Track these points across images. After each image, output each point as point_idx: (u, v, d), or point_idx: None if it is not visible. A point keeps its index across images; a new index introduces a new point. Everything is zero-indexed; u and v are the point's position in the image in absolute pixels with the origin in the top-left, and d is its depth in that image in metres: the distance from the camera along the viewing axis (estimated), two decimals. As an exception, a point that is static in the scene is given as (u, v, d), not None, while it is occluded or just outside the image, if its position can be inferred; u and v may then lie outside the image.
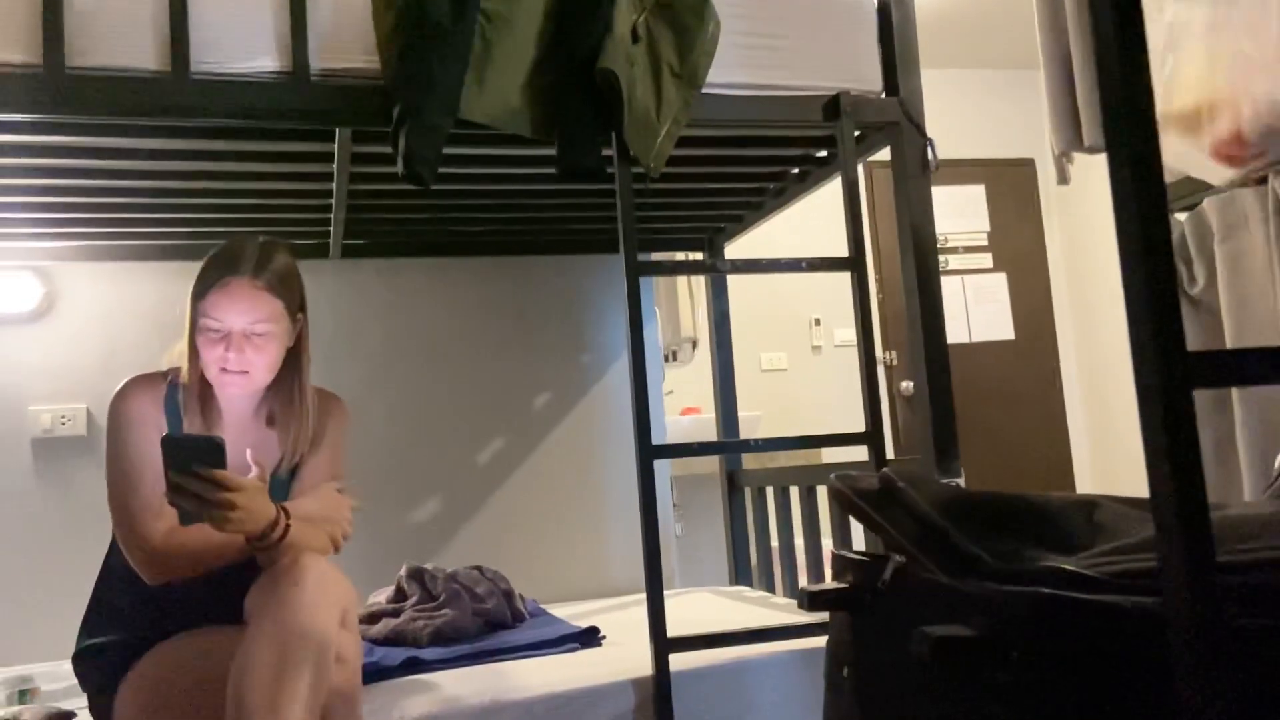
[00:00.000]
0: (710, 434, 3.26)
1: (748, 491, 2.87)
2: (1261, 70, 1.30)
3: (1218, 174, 1.42)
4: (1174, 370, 0.62)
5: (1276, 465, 1.26)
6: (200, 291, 1.63)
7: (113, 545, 1.70)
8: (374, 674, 1.84)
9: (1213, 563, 0.63)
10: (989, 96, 5.43)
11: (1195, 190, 2.21)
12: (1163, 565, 0.63)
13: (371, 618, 2.17)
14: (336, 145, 1.92)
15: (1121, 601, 0.71)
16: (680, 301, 4.67)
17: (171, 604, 1.65)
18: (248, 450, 1.61)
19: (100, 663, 1.66)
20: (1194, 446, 0.62)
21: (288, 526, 1.54)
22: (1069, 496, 0.97)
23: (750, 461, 3.10)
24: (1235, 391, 2.07)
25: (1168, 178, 2.32)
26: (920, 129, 2.07)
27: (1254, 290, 2.07)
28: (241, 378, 1.63)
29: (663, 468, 3.03)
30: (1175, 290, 0.65)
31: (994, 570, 0.84)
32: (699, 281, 3.58)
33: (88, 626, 1.70)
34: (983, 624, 0.78)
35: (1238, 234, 2.05)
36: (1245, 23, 1.33)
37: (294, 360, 1.73)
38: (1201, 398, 2.20)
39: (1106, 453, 5.24)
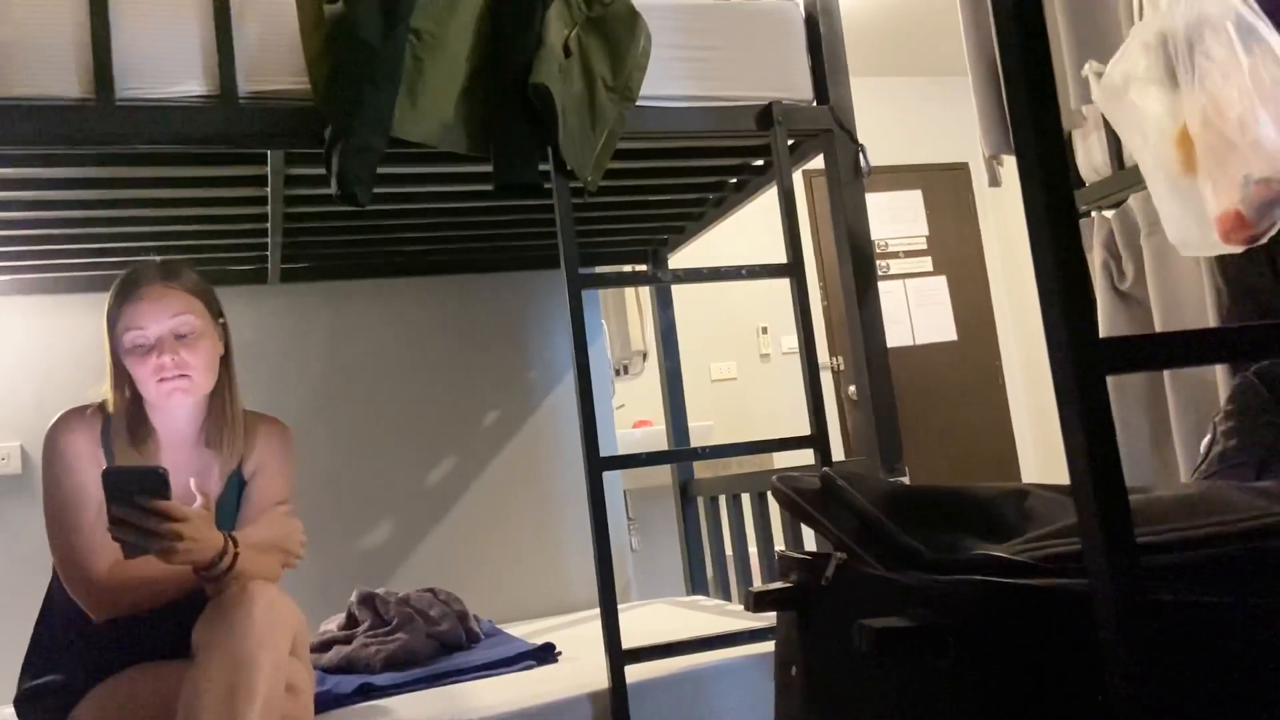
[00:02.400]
0: (662, 446, 3.26)
1: (700, 501, 2.88)
2: (1231, 151, 1.33)
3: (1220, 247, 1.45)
4: (1086, 356, 0.64)
5: (1202, 448, 1.30)
6: (114, 313, 1.62)
7: (54, 583, 1.66)
8: (327, 702, 1.81)
9: (1132, 543, 0.65)
10: (922, 103, 5.54)
11: (1122, 188, 2.27)
12: (1085, 547, 0.65)
13: (323, 646, 2.14)
14: (269, 168, 1.90)
15: (1049, 584, 0.73)
16: (629, 315, 4.69)
17: (116, 639, 1.62)
18: (191, 479, 1.58)
19: (44, 704, 1.62)
20: (1109, 430, 0.64)
21: (236, 555, 1.52)
22: (1002, 487, 0.99)
23: (704, 471, 3.12)
24: (1168, 380, 2.13)
25: (1091, 178, 2.38)
26: (852, 135, 2.11)
27: (1181, 282, 2.13)
28: (183, 383, 1.61)
29: (615, 481, 3.03)
30: (1087, 279, 0.67)
31: (931, 561, 0.86)
32: (647, 295, 3.60)
33: (30, 667, 1.66)
34: (921, 614, 0.80)
35: (1163, 228, 2.11)
36: (1205, 109, 1.36)
37: (224, 371, 1.72)
38: (1136, 387, 2.26)
39: (1049, 446, 5.34)
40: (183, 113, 1.69)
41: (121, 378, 1.65)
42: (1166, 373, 2.12)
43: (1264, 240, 1.37)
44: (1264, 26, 1.33)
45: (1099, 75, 1.53)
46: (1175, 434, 2.11)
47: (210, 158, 1.90)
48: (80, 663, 1.62)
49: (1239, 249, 1.41)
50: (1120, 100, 1.51)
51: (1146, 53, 1.45)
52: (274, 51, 1.73)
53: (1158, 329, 2.14)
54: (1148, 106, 1.46)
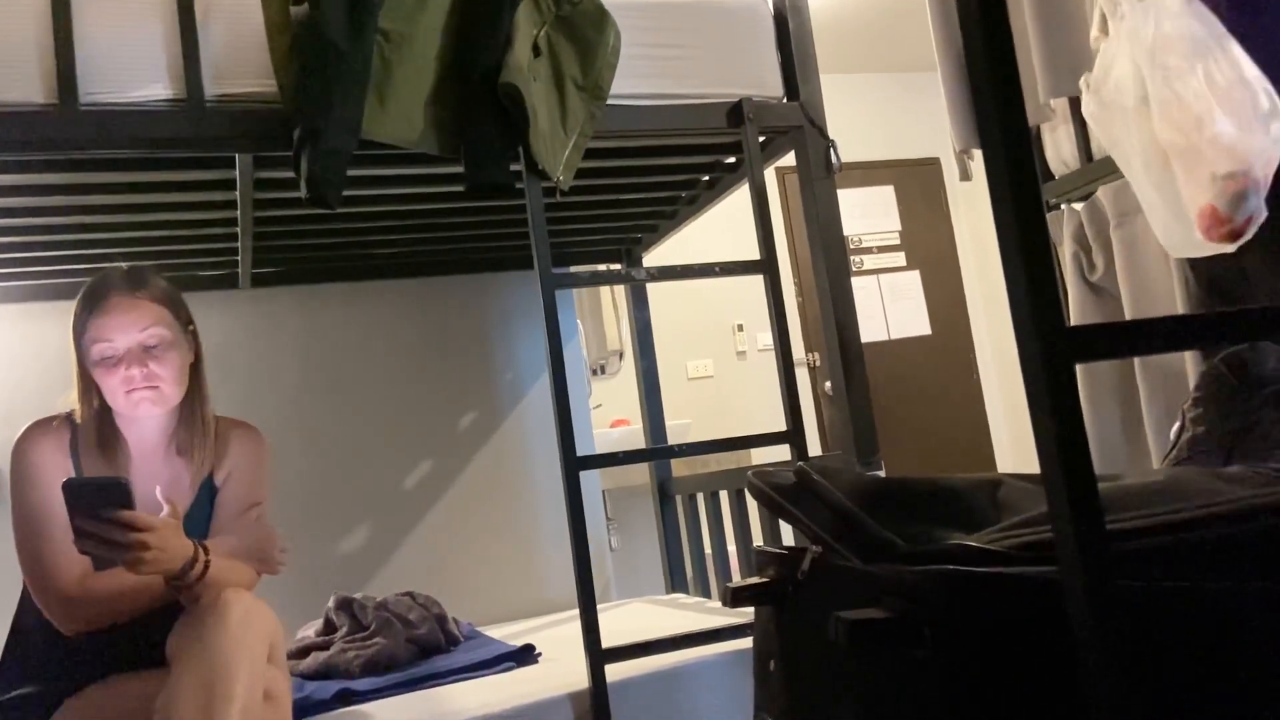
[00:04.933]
0: (639, 445, 3.26)
1: (679, 500, 2.89)
2: (1196, 152, 1.36)
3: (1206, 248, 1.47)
4: (1054, 345, 0.64)
5: (1172, 435, 1.31)
6: (81, 324, 1.59)
7: (24, 596, 1.64)
8: (305, 709, 1.80)
9: (1102, 529, 0.65)
10: (893, 99, 5.56)
11: (1090, 180, 2.30)
12: (1056, 534, 0.65)
13: (300, 652, 2.13)
14: (237, 172, 1.88)
15: (1021, 572, 0.73)
16: (605, 315, 4.69)
17: (90, 651, 1.60)
18: (157, 488, 1.57)
19: (18, 717, 1.59)
20: (1078, 418, 0.65)
21: (207, 563, 1.50)
22: (974, 477, 1.00)
23: (682, 470, 3.12)
24: (1138, 369, 2.16)
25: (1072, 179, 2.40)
26: (822, 132, 2.11)
27: (1150, 273, 2.15)
28: (153, 394, 1.59)
29: (592, 480, 3.02)
30: (1053, 269, 0.68)
31: (905, 552, 0.86)
32: (623, 294, 3.60)
33: (2, 680, 1.64)
34: (896, 604, 0.80)
35: (1132, 219, 2.13)
36: (1167, 114, 1.39)
37: (194, 378, 1.70)
38: (1108, 377, 2.29)
39: (1023, 437, 5.39)
40: (148, 117, 1.67)
41: (89, 387, 1.63)
42: (1137, 361, 2.15)
43: (1247, 236, 1.39)
44: (1218, 35, 1.35)
45: (1087, 84, 1.55)
46: (1146, 422, 2.14)
47: (177, 162, 1.88)
48: (54, 675, 1.60)
49: (1227, 247, 1.43)
50: (1108, 112, 1.54)
51: (1117, 63, 1.47)
52: (240, 54, 1.71)
53: (1128, 319, 2.16)
54: (1130, 117, 1.49)
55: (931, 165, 5.64)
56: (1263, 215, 1.37)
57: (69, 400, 1.66)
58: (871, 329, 5.23)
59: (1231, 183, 1.34)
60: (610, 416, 4.27)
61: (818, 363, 5.09)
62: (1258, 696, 0.74)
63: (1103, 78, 1.53)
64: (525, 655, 2.07)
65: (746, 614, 1.90)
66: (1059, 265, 2.38)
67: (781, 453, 2.08)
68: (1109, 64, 1.51)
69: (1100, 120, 1.55)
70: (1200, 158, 1.36)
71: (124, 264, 1.70)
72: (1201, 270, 1.68)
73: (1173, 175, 1.44)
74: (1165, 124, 1.39)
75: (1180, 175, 1.41)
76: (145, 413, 1.63)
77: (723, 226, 3.96)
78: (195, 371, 1.71)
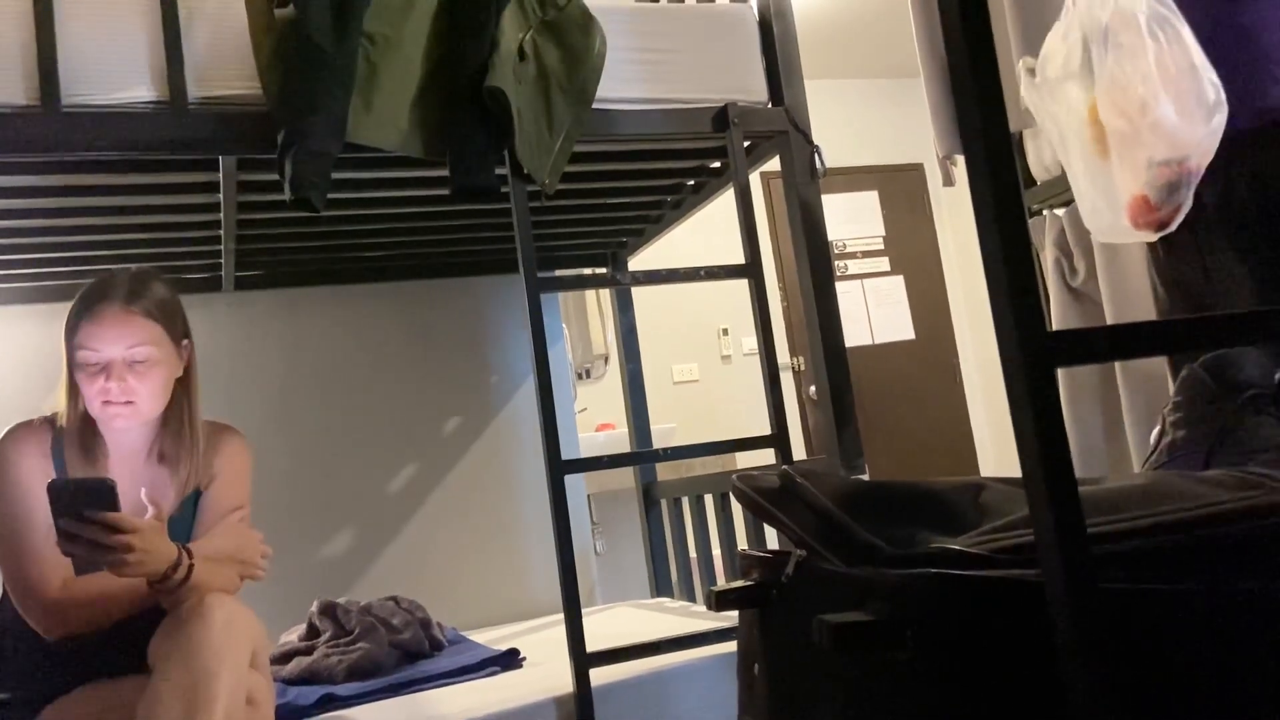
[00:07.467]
0: (625, 448, 3.26)
1: (664, 503, 2.89)
2: (1135, 136, 1.37)
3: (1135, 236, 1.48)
4: (1035, 349, 0.65)
5: (1152, 439, 1.33)
6: (73, 325, 1.58)
7: (4, 600, 1.63)
8: (288, 714, 1.79)
9: (1083, 532, 0.66)
10: (877, 105, 5.59)
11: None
12: (1037, 537, 0.66)
13: (283, 657, 2.12)
14: (221, 174, 1.88)
15: (1003, 575, 0.74)
16: (590, 319, 4.70)
17: (71, 657, 1.58)
18: (142, 490, 1.56)
19: (-5, 725, 1.58)
20: (1058, 422, 0.65)
21: (191, 566, 1.49)
22: (957, 481, 1.01)
23: (667, 473, 3.12)
24: (1119, 374, 2.18)
25: (1042, 176, 2.42)
26: (807, 136, 2.12)
27: (1131, 278, 2.17)
28: (127, 409, 1.58)
29: (577, 484, 3.02)
30: (1035, 274, 0.68)
31: (889, 556, 0.87)
32: (608, 298, 3.60)
33: (-20, 687, 1.62)
34: (880, 608, 0.80)
35: (1112, 225, 2.14)
36: (1113, 95, 1.40)
37: (183, 391, 1.68)
38: (1089, 382, 2.31)
39: (1006, 441, 5.42)
40: (131, 119, 1.66)
41: (76, 389, 1.62)
42: (1118, 366, 2.17)
43: (1171, 226, 1.41)
44: (1175, 17, 1.36)
45: (1032, 71, 1.56)
46: (1126, 425, 2.16)
47: (160, 164, 1.87)
48: (35, 681, 1.59)
49: (1150, 236, 1.45)
50: (1043, 90, 1.54)
51: (1065, 41, 1.48)
52: (224, 55, 1.71)
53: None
54: (1067, 91, 1.50)
55: (915, 171, 5.67)
56: (1188, 206, 1.39)
57: (55, 401, 1.65)
58: (856, 333, 5.25)
59: (1166, 170, 1.35)
60: (595, 420, 4.27)
61: (802, 367, 5.10)
62: (1237, 697, 0.74)
63: (1049, 57, 1.54)
64: (510, 659, 2.07)
65: (731, 618, 1.90)
66: (1040, 270, 2.40)
67: (766, 457, 2.09)
68: (1057, 42, 1.51)
69: (1039, 100, 1.56)
70: (1139, 142, 1.37)
71: (132, 266, 1.67)
72: (1166, 275, 1.70)
73: (1106, 161, 1.45)
74: (1110, 106, 1.40)
75: (1116, 160, 1.42)
76: (119, 427, 1.62)
77: (708, 231, 3.97)
78: (186, 384, 1.69)
